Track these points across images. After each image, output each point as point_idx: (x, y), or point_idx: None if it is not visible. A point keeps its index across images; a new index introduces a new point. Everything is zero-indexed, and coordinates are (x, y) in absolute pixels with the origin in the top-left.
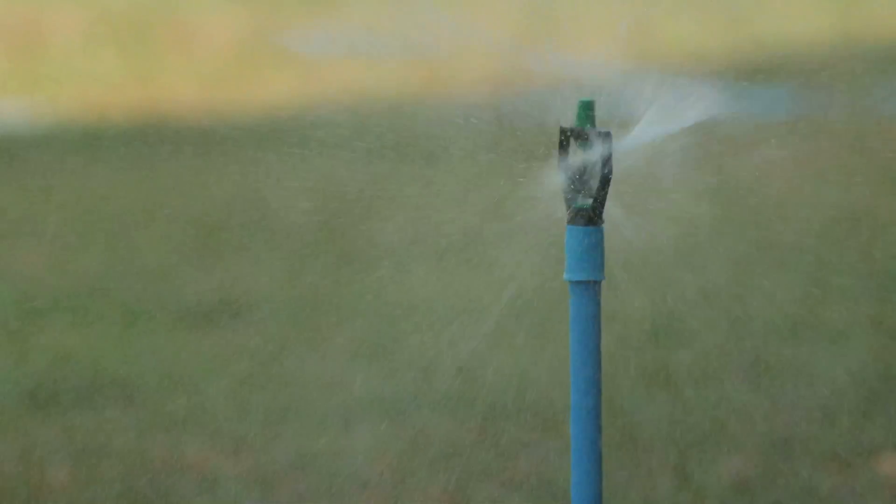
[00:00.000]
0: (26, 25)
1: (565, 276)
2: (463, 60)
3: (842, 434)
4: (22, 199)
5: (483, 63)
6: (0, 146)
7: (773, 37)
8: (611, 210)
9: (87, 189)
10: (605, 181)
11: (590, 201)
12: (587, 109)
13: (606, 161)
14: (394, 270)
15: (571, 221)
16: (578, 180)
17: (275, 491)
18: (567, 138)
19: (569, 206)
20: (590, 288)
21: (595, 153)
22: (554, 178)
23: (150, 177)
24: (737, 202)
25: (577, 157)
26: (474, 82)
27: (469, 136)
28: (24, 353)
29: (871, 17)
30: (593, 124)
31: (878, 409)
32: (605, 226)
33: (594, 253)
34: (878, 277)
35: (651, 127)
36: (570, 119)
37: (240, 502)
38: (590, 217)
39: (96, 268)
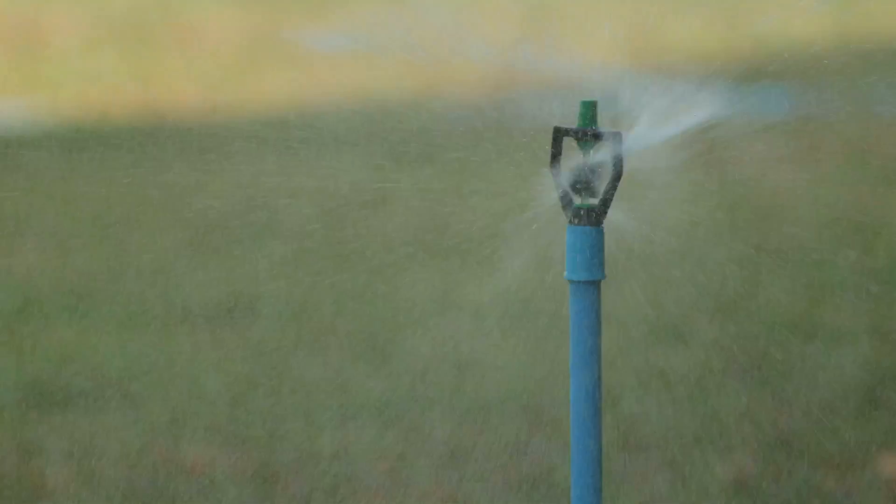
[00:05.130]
0: (26, 25)
1: (566, 275)
2: (463, 58)
3: (842, 434)
4: (22, 199)
5: (482, 61)
6: (0, 146)
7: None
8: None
9: (87, 189)
10: (615, 182)
11: (592, 201)
12: (589, 110)
13: (617, 162)
14: (395, 269)
15: (572, 221)
16: (580, 180)
17: (275, 491)
18: (560, 140)
19: (565, 207)
20: (590, 287)
21: (602, 153)
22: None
23: (149, 176)
24: (737, 201)
25: (578, 157)
26: (474, 81)
27: (468, 136)
28: (24, 353)
29: (872, 18)
30: (595, 124)
31: (878, 409)
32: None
33: (594, 252)
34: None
35: (652, 128)
36: (570, 120)
37: (240, 502)
38: (591, 217)
39: (96, 268)
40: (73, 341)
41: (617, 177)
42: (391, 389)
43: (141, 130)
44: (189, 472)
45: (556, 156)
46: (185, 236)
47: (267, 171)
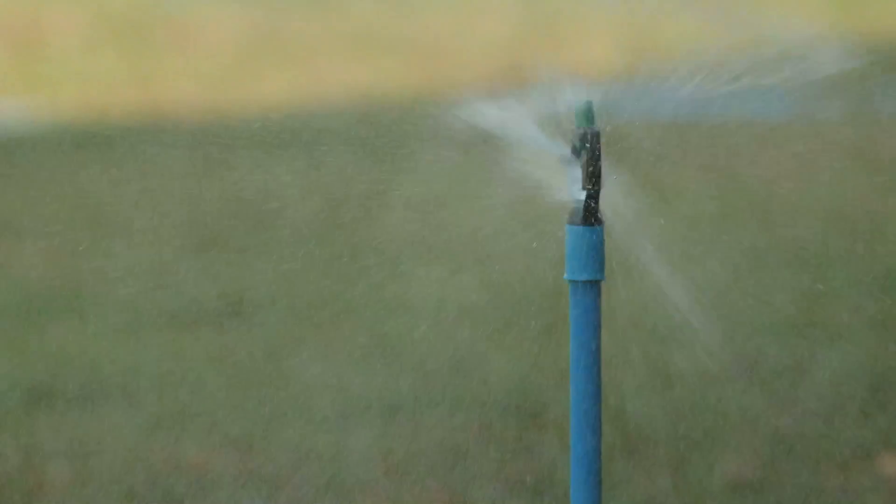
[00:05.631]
0: (26, 25)
1: (566, 275)
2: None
3: (842, 434)
4: (22, 198)
5: (482, 60)
6: (0, 146)
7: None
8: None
9: (87, 189)
10: (596, 180)
11: (590, 201)
12: (587, 110)
13: (596, 160)
14: (394, 270)
15: (571, 221)
16: (582, 180)
17: (275, 491)
18: (582, 141)
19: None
20: (590, 288)
21: (587, 153)
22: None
23: (149, 177)
24: (738, 202)
25: (577, 157)
26: (473, 80)
27: (467, 137)
28: (24, 353)
29: (872, 18)
30: (593, 124)
31: (877, 409)
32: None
33: (594, 253)
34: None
35: (652, 126)
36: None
37: (240, 502)
38: (590, 216)
39: (96, 268)
40: (73, 341)
41: (597, 173)
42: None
43: (141, 130)
44: (189, 472)
45: (574, 156)
46: (184, 235)
47: (266, 171)
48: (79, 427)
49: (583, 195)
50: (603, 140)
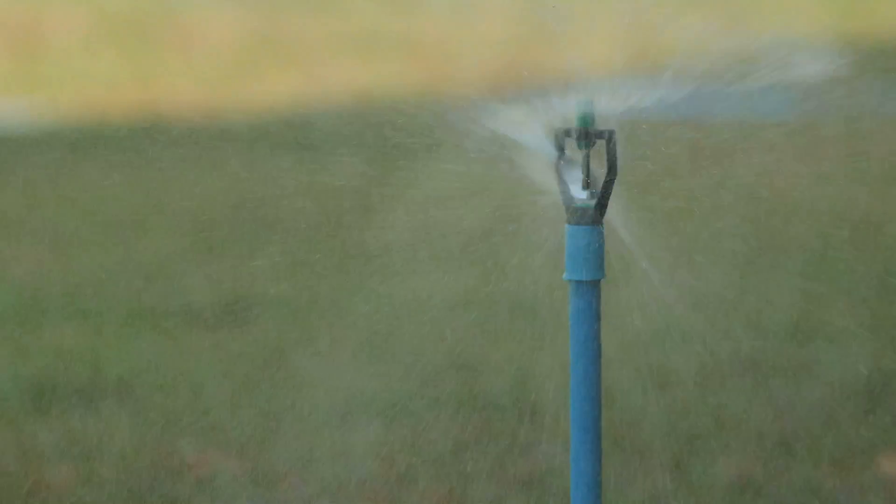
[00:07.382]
0: (26, 25)
1: (565, 275)
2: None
3: (842, 434)
4: (22, 199)
5: (483, 60)
6: (0, 146)
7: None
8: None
9: (87, 189)
10: (610, 181)
11: (591, 201)
12: (586, 109)
13: (612, 161)
14: (392, 270)
15: (571, 221)
16: (581, 180)
17: (275, 491)
18: (563, 139)
19: (567, 207)
20: (590, 287)
21: (599, 153)
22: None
23: (149, 176)
24: (738, 202)
25: (576, 156)
26: (474, 80)
27: (467, 137)
28: (24, 352)
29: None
30: (593, 124)
31: (877, 410)
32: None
33: (594, 252)
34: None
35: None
36: (568, 119)
37: (240, 502)
38: (591, 216)
39: (96, 268)
40: (73, 341)
41: (612, 175)
42: None
43: (141, 130)
44: (189, 472)
45: (559, 156)
46: (184, 236)
47: (265, 171)
48: (79, 427)
49: (583, 195)
50: (602, 140)
